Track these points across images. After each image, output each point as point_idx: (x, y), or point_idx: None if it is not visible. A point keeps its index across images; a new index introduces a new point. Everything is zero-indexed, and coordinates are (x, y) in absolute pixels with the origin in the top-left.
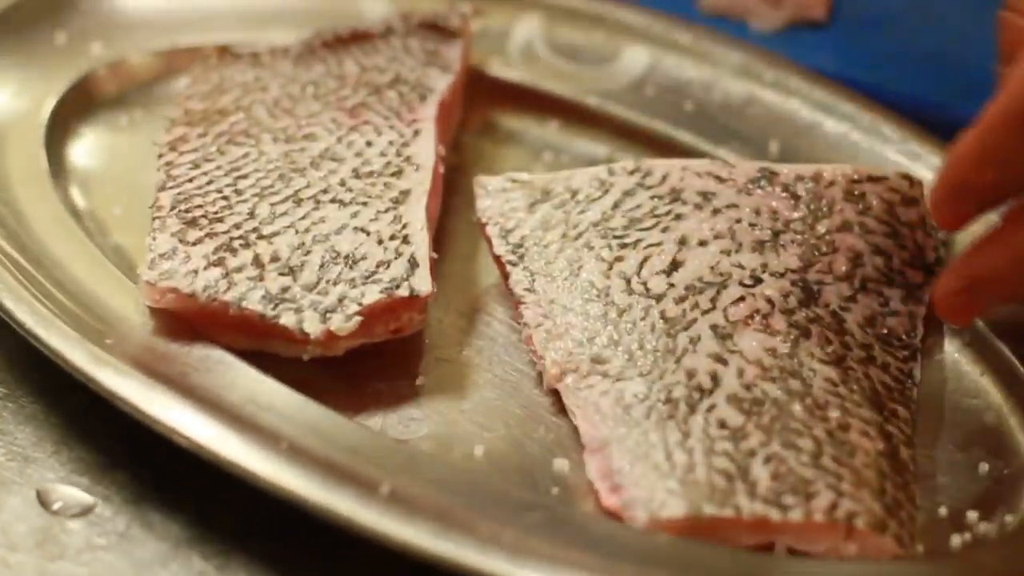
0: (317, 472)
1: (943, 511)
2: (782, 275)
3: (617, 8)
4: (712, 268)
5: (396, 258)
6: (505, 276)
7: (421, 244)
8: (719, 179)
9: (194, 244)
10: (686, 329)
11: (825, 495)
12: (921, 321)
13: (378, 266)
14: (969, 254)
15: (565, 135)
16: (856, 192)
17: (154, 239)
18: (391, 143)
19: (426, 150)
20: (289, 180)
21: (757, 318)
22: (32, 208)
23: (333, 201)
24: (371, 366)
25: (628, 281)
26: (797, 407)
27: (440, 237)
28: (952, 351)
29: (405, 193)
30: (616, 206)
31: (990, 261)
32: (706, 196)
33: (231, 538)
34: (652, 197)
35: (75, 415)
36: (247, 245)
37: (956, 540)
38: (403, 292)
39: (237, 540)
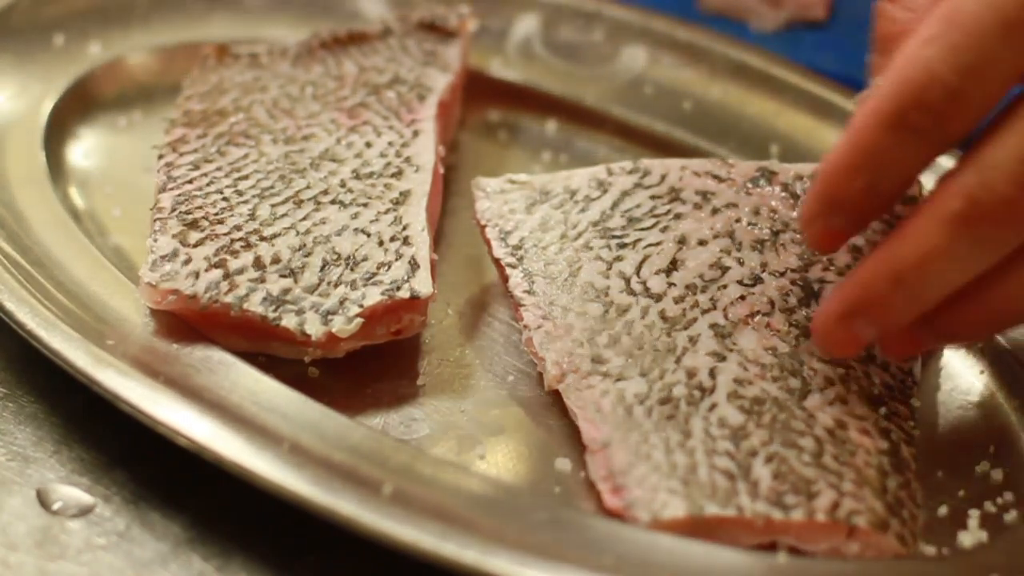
0: (318, 472)
1: (943, 510)
2: (782, 274)
3: (616, 7)
4: (712, 267)
5: (397, 259)
6: (504, 278)
7: (422, 245)
8: (718, 178)
9: (195, 246)
10: (686, 328)
11: (827, 494)
12: None
13: (379, 268)
14: (849, 275)
15: (564, 135)
16: None
17: (155, 241)
18: (391, 144)
19: (426, 150)
20: (289, 181)
21: (757, 317)
22: (32, 209)
23: (333, 202)
24: (372, 366)
25: (627, 281)
26: (798, 406)
27: (440, 237)
28: (951, 350)
29: (405, 194)
30: (615, 206)
31: (869, 282)
32: (705, 195)
33: (231, 538)
34: (651, 197)
35: (75, 415)
36: (248, 247)
37: (956, 539)
38: (404, 294)
39: (237, 540)
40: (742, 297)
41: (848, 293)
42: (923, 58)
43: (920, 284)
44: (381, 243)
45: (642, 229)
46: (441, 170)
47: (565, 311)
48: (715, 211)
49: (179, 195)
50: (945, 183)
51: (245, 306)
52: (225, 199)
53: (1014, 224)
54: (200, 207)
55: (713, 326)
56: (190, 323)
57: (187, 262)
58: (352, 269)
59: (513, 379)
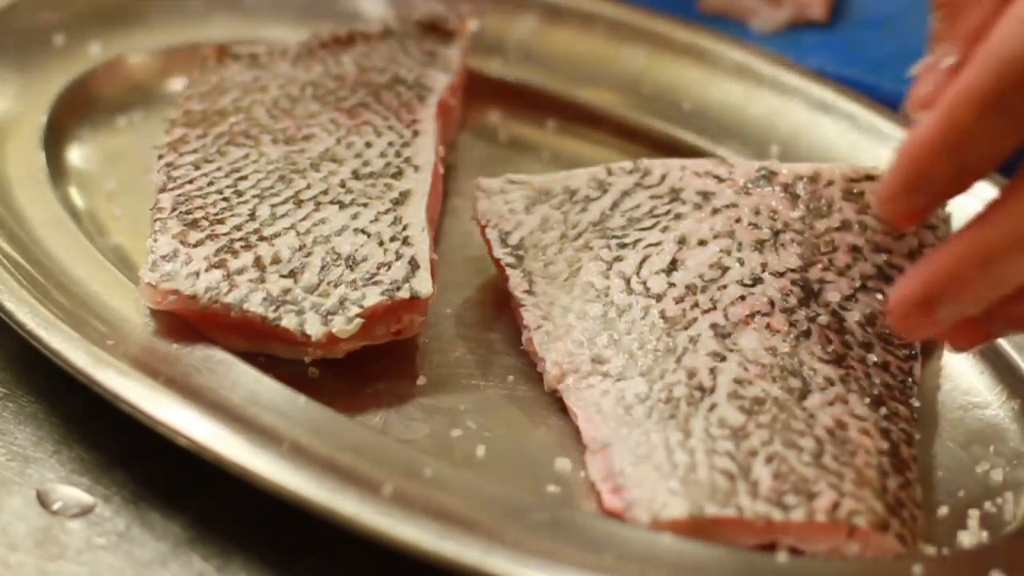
0: (319, 472)
1: (944, 510)
2: (782, 274)
3: (615, 7)
4: (712, 267)
5: (397, 260)
6: (504, 278)
7: (422, 245)
8: (718, 178)
9: (195, 246)
10: (686, 328)
11: (827, 494)
12: None
13: (379, 268)
14: (929, 258)
15: (563, 135)
16: (855, 191)
17: (155, 241)
18: (391, 144)
19: (426, 151)
20: (289, 181)
21: (757, 317)
22: (32, 209)
23: (333, 202)
24: (372, 366)
25: (628, 281)
26: (798, 406)
27: (440, 237)
28: (952, 350)
29: (405, 194)
30: (615, 206)
31: (955, 267)
32: (705, 195)
33: (231, 538)
34: (651, 197)
35: (75, 415)
36: (248, 247)
37: (956, 539)
38: (404, 294)
39: (237, 540)
40: (742, 297)
41: (931, 277)
42: None
43: (1008, 270)
44: (381, 243)
45: (642, 229)
46: (441, 170)
47: (565, 311)
48: (715, 211)
49: (179, 195)
50: None
51: (245, 306)
52: (225, 199)
53: None
54: (200, 207)
55: (713, 326)
56: (190, 323)
57: (187, 262)
58: (352, 269)
59: (513, 379)
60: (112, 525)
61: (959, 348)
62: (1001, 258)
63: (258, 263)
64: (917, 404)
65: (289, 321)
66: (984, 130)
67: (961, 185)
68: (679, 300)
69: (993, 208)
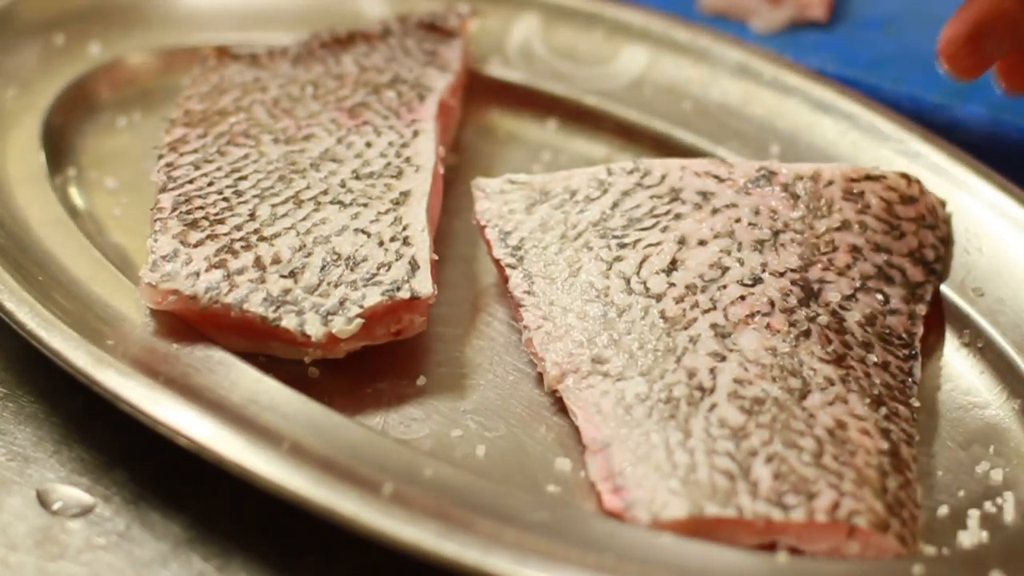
0: (318, 472)
1: (944, 510)
2: (782, 274)
3: (615, 8)
4: (712, 267)
5: (397, 260)
6: (504, 278)
7: (422, 246)
8: (718, 178)
9: (195, 246)
10: (686, 328)
11: (827, 494)
12: (921, 320)
13: (379, 268)
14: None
15: (564, 135)
16: (855, 191)
17: (155, 241)
18: (391, 144)
19: (426, 150)
20: (289, 181)
21: (757, 317)
22: (32, 209)
23: (334, 202)
24: (372, 366)
25: (628, 281)
26: (798, 406)
27: (440, 237)
28: (951, 350)
29: (405, 194)
30: (615, 206)
31: (997, 2)
32: (705, 195)
33: (231, 538)
34: (651, 197)
35: (75, 415)
36: (248, 247)
37: (956, 539)
38: (404, 294)
39: (237, 540)
40: (742, 297)
41: (977, 13)
42: None
43: None
44: (381, 243)
45: (642, 229)
46: (441, 170)
47: (565, 311)
48: (715, 211)
49: (179, 195)
50: None
51: (245, 306)
52: (225, 199)
53: None
54: (200, 207)
55: (713, 326)
56: (190, 323)
57: (187, 262)
58: (352, 269)
59: (513, 379)
60: (112, 525)
61: (1014, 88)
62: None
63: (258, 263)
64: (917, 404)
65: (289, 321)
66: None
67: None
68: (679, 300)
69: None
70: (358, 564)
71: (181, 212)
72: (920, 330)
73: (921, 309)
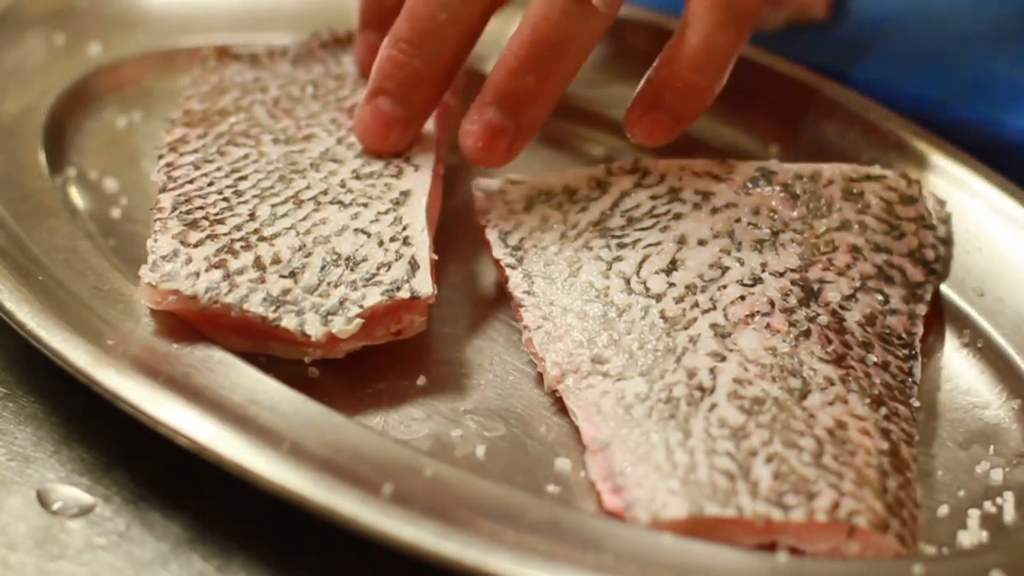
0: (318, 472)
1: (944, 510)
2: (782, 274)
3: None
4: (712, 267)
5: (397, 260)
6: (504, 278)
7: (422, 245)
8: (718, 178)
9: (195, 246)
10: (686, 328)
11: (827, 494)
12: (921, 320)
13: (379, 268)
14: (654, 68)
15: (564, 135)
16: (855, 191)
17: (155, 241)
18: None
19: (426, 151)
20: (289, 181)
21: (757, 317)
22: (32, 209)
23: (333, 202)
24: (372, 366)
25: (627, 281)
26: (798, 406)
27: (440, 237)
28: (952, 350)
29: (405, 194)
30: (615, 206)
31: (672, 72)
32: (705, 195)
33: (231, 538)
34: (651, 196)
35: (75, 415)
36: (248, 247)
37: (956, 539)
38: (404, 294)
39: (237, 540)
40: (742, 297)
41: (655, 85)
42: None
43: None
44: (381, 243)
45: (642, 229)
46: (441, 170)
47: (565, 311)
48: (715, 211)
49: (179, 195)
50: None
51: (245, 306)
52: (225, 199)
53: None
54: (200, 207)
55: (713, 326)
56: (190, 323)
57: (187, 262)
58: (352, 269)
59: (513, 379)
60: (112, 525)
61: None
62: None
63: (258, 263)
64: (917, 404)
65: (289, 321)
66: None
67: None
68: (679, 300)
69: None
70: (358, 564)
71: (181, 212)
72: (920, 330)
73: (921, 309)
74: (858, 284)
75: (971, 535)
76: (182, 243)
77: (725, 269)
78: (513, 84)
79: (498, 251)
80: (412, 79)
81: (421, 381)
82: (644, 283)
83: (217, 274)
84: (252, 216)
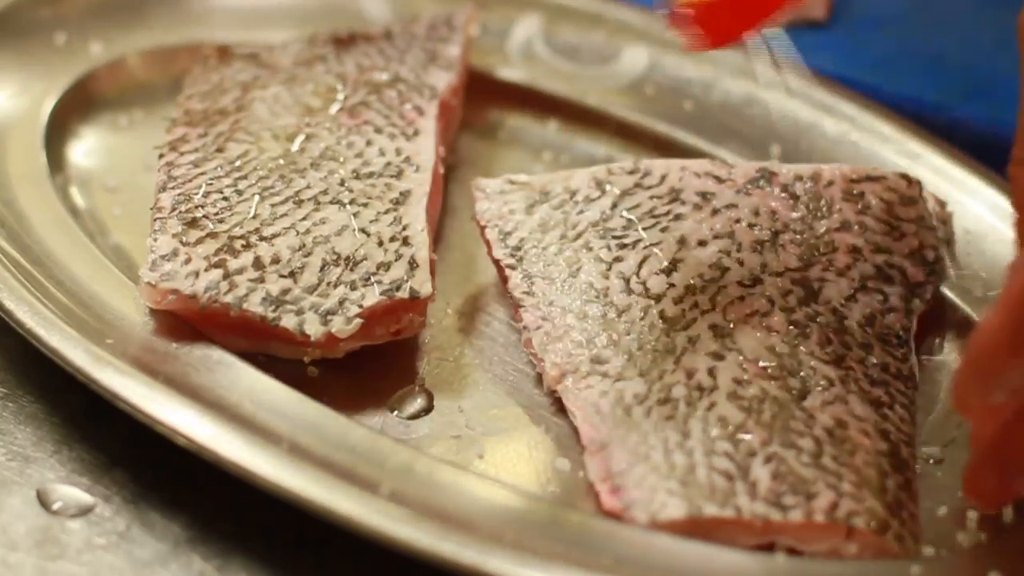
0: (318, 472)
1: (943, 510)
2: (781, 275)
3: (617, 8)
4: (711, 268)
5: (396, 260)
6: (504, 279)
7: (421, 245)
8: (718, 179)
9: (195, 245)
10: (685, 329)
11: (826, 495)
12: (915, 319)
13: (378, 268)
14: (1000, 436)
15: (565, 135)
16: (855, 191)
17: (155, 240)
18: (391, 143)
19: (426, 150)
20: (289, 181)
21: (757, 317)
22: (32, 208)
23: (333, 202)
24: (372, 366)
25: (627, 281)
26: (797, 406)
27: (440, 237)
28: (952, 350)
29: (405, 194)
30: (615, 206)
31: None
32: (705, 196)
33: (231, 538)
34: (651, 197)
35: (75, 415)
36: (248, 246)
37: (956, 539)
38: (403, 294)
39: (237, 540)
40: (742, 297)
41: (1004, 455)
42: None
43: None
44: (381, 243)
45: (642, 229)
46: (441, 170)
47: (564, 312)
48: (715, 212)
49: (179, 194)
50: None
51: (245, 306)
52: (225, 198)
53: None
54: (200, 206)
55: (712, 326)
56: (190, 323)
57: (187, 262)
58: (352, 269)
59: (513, 379)
60: (112, 525)
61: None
62: None
63: (258, 263)
64: (917, 404)
65: (289, 321)
66: None
67: None
68: (678, 300)
69: None
70: (358, 564)
71: (181, 211)
72: (914, 325)
73: (921, 309)
74: (858, 285)
75: (970, 536)
76: (182, 242)
77: (725, 270)
78: None
79: (498, 251)
80: None
81: (421, 381)
82: (644, 284)
83: (217, 273)
84: (252, 216)
